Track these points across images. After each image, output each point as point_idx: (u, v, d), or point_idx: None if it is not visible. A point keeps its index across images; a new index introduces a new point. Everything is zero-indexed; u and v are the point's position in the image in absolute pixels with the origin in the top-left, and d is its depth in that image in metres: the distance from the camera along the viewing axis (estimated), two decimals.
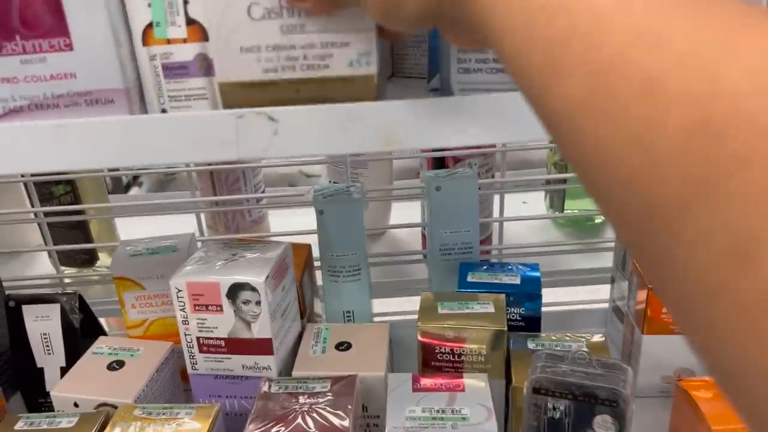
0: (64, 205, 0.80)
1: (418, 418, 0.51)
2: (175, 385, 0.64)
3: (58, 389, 0.58)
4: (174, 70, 0.34)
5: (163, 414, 0.53)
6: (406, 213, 0.89)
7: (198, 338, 0.57)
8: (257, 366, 0.58)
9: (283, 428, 0.50)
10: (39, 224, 0.80)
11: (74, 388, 0.58)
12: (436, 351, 0.58)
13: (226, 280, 0.55)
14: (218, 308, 0.56)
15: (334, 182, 0.88)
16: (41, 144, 0.34)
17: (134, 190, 1.62)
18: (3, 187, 0.82)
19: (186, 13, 0.33)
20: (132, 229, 0.91)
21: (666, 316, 0.62)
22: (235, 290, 0.55)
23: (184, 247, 0.66)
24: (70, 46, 0.32)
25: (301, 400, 0.53)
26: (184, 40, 0.34)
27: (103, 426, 0.52)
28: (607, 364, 0.51)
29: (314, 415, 0.51)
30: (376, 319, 0.73)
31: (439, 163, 0.80)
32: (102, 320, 0.74)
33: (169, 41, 0.34)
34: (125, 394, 0.57)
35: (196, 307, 0.56)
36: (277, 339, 0.57)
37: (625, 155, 0.19)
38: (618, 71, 0.19)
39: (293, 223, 0.83)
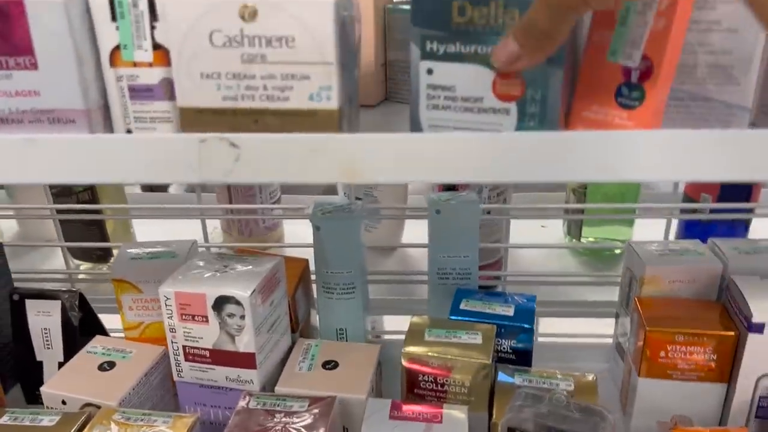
0: (82, 203, 0.83)
1: None
2: (165, 389, 0.65)
3: (48, 386, 0.59)
4: (140, 92, 0.35)
5: (141, 420, 0.54)
6: (423, 231, 0.88)
7: (184, 347, 0.58)
8: (240, 379, 0.58)
9: None
10: (55, 222, 0.82)
11: (63, 386, 0.59)
12: (420, 378, 0.57)
13: (213, 292, 0.55)
14: (204, 319, 0.56)
15: (345, 194, 0.88)
16: (13, 156, 0.35)
17: (172, 188, 1.66)
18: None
19: (152, 38, 0.34)
20: (148, 228, 0.94)
21: (663, 360, 0.59)
22: (220, 303, 0.55)
23: (183, 254, 0.67)
24: (35, 65, 0.33)
25: (277, 418, 0.53)
26: (150, 64, 0.34)
27: (83, 427, 0.53)
28: (587, 409, 0.49)
29: None
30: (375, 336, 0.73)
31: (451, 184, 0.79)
32: (114, 317, 0.75)
33: (135, 64, 0.35)
34: (111, 395, 0.58)
35: (183, 317, 0.57)
36: (261, 353, 0.58)
37: None
38: None
39: (308, 232, 0.83)
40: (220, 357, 0.57)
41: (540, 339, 0.78)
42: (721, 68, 0.37)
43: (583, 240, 0.94)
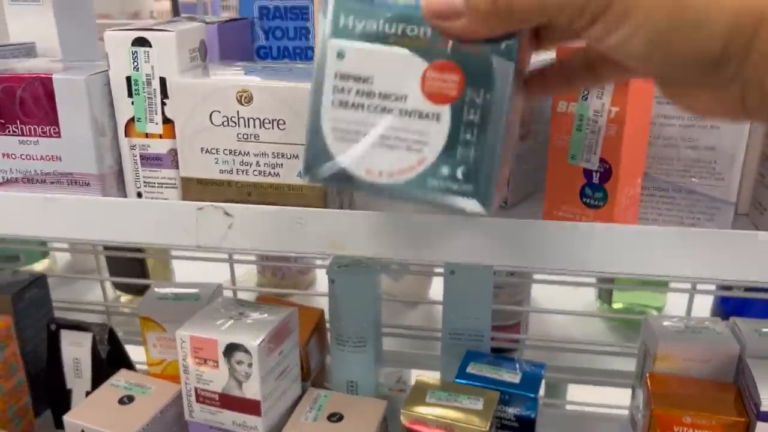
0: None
1: None
2: (179, 427, 0.67)
3: (70, 416, 0.63)
4: (150, 160, 0.38)
5: None
6: None
7: (196, 388, 0.61)
8: (246, 425, 0.60)
9: None
10: (96, 255, 0.88)
11: (83, 416, 0.63)
12: None
13: (224, 339, 0.58)
14: (215, 364, 0.59)
15: None
16: (33, 212, 0.39)
17: None
18: None
19: (163, 113, 0.37)
20: (187, 266, 0.98)
21: None
22: (231, 350, 0.58)
23: (206, 297, 0.70)
24: (58, 134, 0.37)
25: None
26: (160, 136, 0.38)
27: None
28: None
29: None
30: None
31: None
32: (143, 349, 0.79)
33: (147, 135, 0.38)
34: (126, 429, 0.61)
35: (196, 360, 0.59)
36: (267, 401, 0.60)
37: None
38: None
39: None
40: (228, 401, 0.60)
41: (556, 407, 0.77)
42: (704, 163, 0.38)
43: (614, 305, 0.93)
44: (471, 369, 0.64)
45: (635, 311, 0.91)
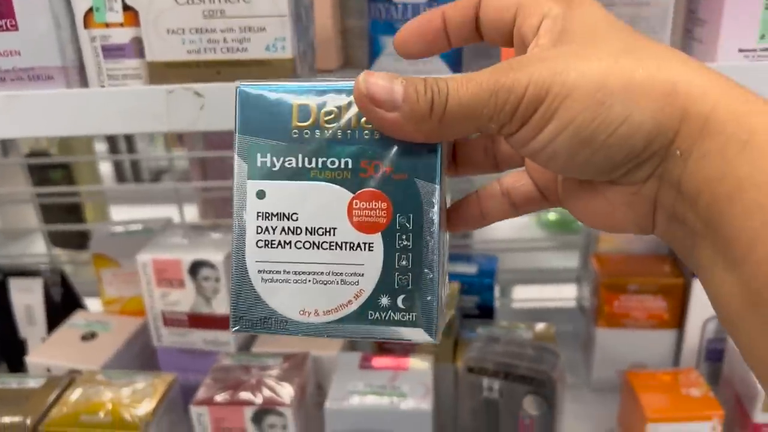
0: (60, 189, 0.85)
1: (359, 392, 0.53)
2: (145, 360, 0.67)
3: (33, 355, 0.62)
4: (112, 51, 0.38)
5: (123, 379, 0.56)
6: None
7: (162, 312, 0.61)
8: (217, 341, 0.61)
9: (230, 395, 0.53)
10: (35, 210, 0.84)
11: (48, 355, 0.62)
12: None
13: (188, 257, 0.58)
14: (180, 284, 0.59)
15: None
16: None
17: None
18: (3, 172, 0.87)
19: (122, 0, 0.37)
20: (125, 216, 0.96)
21: (618, 309, 0.63)
22: (196, 267, 0.58)
23: (159, 229, 0.70)
24: (15, 27, 0.36)
25: (253, 372, 0.56)
26: (121, 24, 0.38)
27: (67, 387, 0.56)
28: (540, 347, 0.53)
29: (261, 385, 0.54)
30: None
31: None
32: (93, 300, 0.78)
33: (107, 25, 0.38)
34: (94, 362, 0.60)
35: (160, 282, 0.59)
36: None
37: None
38: None
39: None
40: (197, 320, 0.60)
41: (506, 304, 0.81)
42: (641, 18, 0.41)
43: (549, 216, 0.98)
44: None
45: (569, 218, 0.96)
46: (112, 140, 1.73)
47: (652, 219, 0.26)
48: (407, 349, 0.61)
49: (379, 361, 0.57)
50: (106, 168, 1.17)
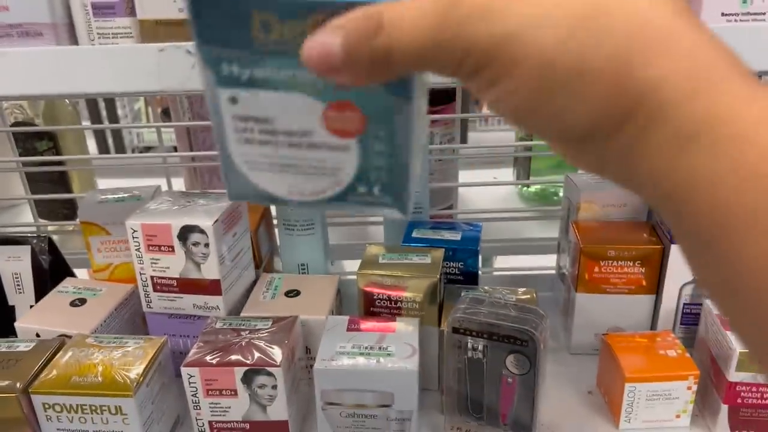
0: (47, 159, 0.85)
1: (347, 353, 0.55)
2: (135, 326, 0.68)
3: (22, 321, 0.62)
4: (102, 9, 0.38)
5: (113, 342, 0.57)
6: None
7: (152, 277, 0.61)
8: (207, 306, 0.62)
9: (220, 357, 0.54)
10: (22, 181, 0.84)
11: (37, 320, 0.62)
12: (375, 298, 0.62)
13: (177, 222, 0.59)
14: (170, 249, 0.60)
15: None
16: None
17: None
18: None
19: None
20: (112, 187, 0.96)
21: (598, 275, 0.65)
22: (185, 232, 0.59)
23: (148, 197, 0.70)
24: None
25: (243, 334, 0.57)
26: None
27: (57, 351, 0.56)
28: (524, 308, 0.54)
29: (251, 347, 0.55)
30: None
31: None
32: (81, 271, 0.78)
33: None
34: (83, 327, 0.61)
35: (150, 248, 0.60)
36: (226, 281, 0.61)
37: None
38: None
39: None
40: (187, 285, 0.61)
41: (487, 272, 0.83)
42: None
43: (531, 189, 1.00)
44: (416, 234, 0.68)
45: (549, 192, 0.98)
46: (95, 115, 1.72)
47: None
48: (394, 313, 0.62)
49: (366, 323, 0.59)
50: (90, 145, 1.17)
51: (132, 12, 0.39)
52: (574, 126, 0.23)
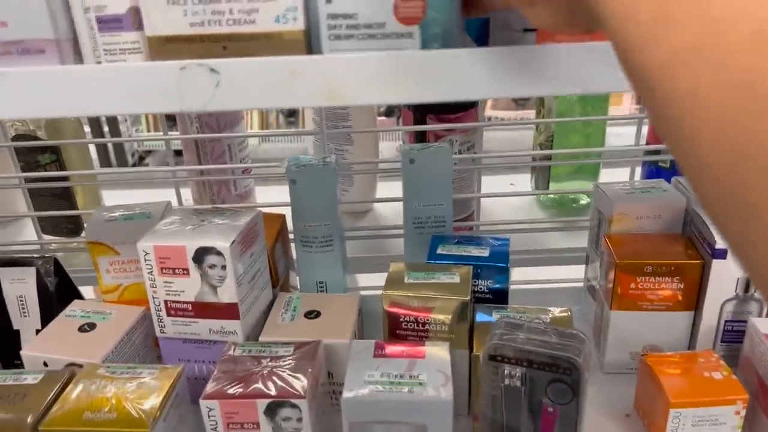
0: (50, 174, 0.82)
1: (376, 382, 0.51)
2: (147, 349, 0.65)
3: (28, 349, 0.59)
4: (108, 24, 0.35)
5: (126, 373, 0.54)
6: (394, 192, 0.89)
7: (166, 301, 0.58)
8: (224, 330, 0.58)
9: (242, 388, 0.51)
10: (24, 196, 0.81)
11: (44, 348, 0.59)
12: (401, 320, 0.58)
13: (193, 244, 0.55)
14: (185, 272, 0.56)
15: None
16: None
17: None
18: None
19: None
20: (119, 201, 0.93)
21: (634, 292, 0.62)
22: (201, 254, 0.55)
23: (158, 215, 0.67)
24: None
25: (264, 363, 0.54)
26: None
27: (67, 383, 0.53)
28: (564, 333, 0.51)
29: (274, 377, 0.52)
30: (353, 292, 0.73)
31: (421, 138, 0.80)
32: (87, 288, 0.75)
33: None
34: (93, 355, 0.58)
35: (164, 271, 0.57)
36: (243, 304, 0.58)
37: (727, 98, 0.21)
38: (729, 21, 0.21)
39: (281, 197, 0.83)
40: (202, 309, 0.58)
41: (513, 286, 0.80)
42: None
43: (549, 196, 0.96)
44: (441, 250, 0.65)
45: (568, 198, 0.95)
46: (94, 119, 1.68)
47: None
48: (421, 336, 0.59)
49: (393, 348, 0.55)
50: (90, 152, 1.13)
51: (140, 26, 0.35)
52: None
